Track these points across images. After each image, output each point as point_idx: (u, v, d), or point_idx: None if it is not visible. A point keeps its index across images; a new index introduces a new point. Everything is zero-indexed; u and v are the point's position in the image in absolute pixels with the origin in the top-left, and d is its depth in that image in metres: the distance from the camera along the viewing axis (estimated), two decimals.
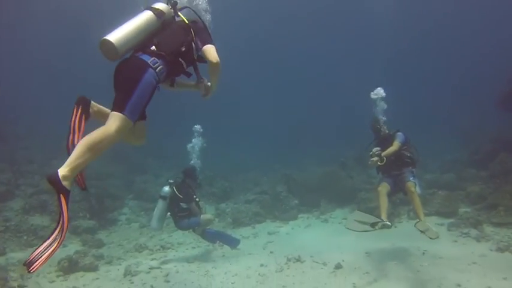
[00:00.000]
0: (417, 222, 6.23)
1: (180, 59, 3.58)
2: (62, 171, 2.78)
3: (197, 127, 9.95)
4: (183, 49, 3.56)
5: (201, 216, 8.43)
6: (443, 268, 6.42)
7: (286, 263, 7.43)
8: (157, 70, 3.32)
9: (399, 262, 6.92)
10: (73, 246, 9.44)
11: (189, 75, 3.83)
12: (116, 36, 3.27)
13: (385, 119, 7.55)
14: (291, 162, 19.84)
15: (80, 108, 3.19)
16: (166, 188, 8.33)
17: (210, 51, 3.59)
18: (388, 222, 6.23)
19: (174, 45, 3.52)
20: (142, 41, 3.44)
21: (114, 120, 3.06)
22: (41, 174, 13.26)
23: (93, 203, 11.71)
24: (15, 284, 6.96)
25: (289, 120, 29.19)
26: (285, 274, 6.90)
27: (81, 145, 2.89)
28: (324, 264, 7.17)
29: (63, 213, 2.73)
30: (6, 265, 7.90)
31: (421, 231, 6.08)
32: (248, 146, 23.81)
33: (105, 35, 3.27)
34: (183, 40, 3.58)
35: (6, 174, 12.40)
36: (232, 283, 6.72)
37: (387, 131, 7.43)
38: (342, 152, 16.93)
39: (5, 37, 30.27)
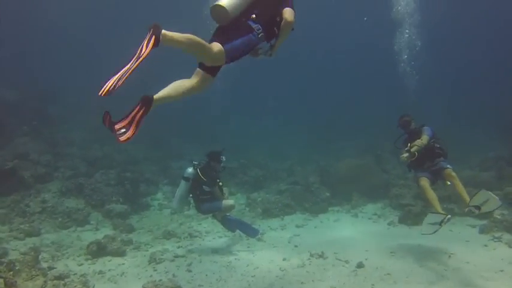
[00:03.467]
0: (468, 208, 6.19)
1: (275, 28, 4.08)
2: (165, 31, 3.14)
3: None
4: (278, 19, 4.08)
5: (223, 201, 8.33)
6: (468, 274, 6.16)
7: (309, 259, 7.39)
8: (259, 35, 3.83)
9: (423, 264, 6.71)
10: (105, 230, 9.76)
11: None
12: (227, 2, 3.70)
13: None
14: (328, 152, 19.68)
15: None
16: (190, 169, 8.24)
17: (291, 12, 4.10)
18: (449, 216, 6.18)
19: (270, 15, 4.03)
20: (246, 8, 3.87)
21: (216, 47, 3.50)
22: (80, 158, 13.75)
23: (128, 188, 11.98)
24: (45, 265, 7.25)
25: (329, 109, 28.73)
26: (305, 270, 6.85)
27: (189, 35, 3.29)
28: (346, 262, 7.06)
29: (146, 47, 3.03)
30: (40, 246, 8.24)
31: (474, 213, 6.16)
32: (288, 135, 23.74)
33: (216, 1, 3.72)
34: (277, 11, 4.09)
35: (47, 156, 12.84)
36: (252, 276, 6.73)
37: (414, 127, 7.45)
38: (381, 142, 16.49)
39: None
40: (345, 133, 21.96)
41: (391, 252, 7.43)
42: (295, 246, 8.37)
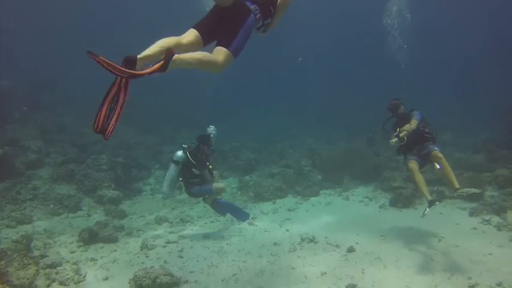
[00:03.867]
0: (456, 190, 6.37)
1: (271, 7, 4.06)
2: (175, 59, 3.04)
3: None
4: None
5: (213, 184, 8.26)
6: (457, 257, 6.24)
7: (300, 243, 7.44)
8: (257, 16, 3.78)
9: (413, 248, 6.78)
10: (97, 216, 9.78)
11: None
12: None
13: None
14: (320, 134, 19.76)
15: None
16: (180, 153, 8.14)
17: None
18: (437, 202, 6.40)
19: None
20: None
21: (221, 54, 3.38)
22: (71, 143, 13.68)
23: (120, 173, 11.98)
24: (37, 253, 7.26)
25: (324, 94, 28.71)
26: (296, 255, 6.91)
27: (197, 54, 3.28)
28: (337, 246, 7.13)
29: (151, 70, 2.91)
30: (32, 233, 8.24)
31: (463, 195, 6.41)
32: (282, 118, 23.76)
33: None
34: None
35: (38, 142, 12.78)
36: (243, 262, 6.77)
37: (403, 111, 7.51)
38: (373, 124, 16.52)
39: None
40: (337, 115, 21.97)
41: (381, 236, 7.50)
42: (287, 230, 8.41)
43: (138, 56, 2.93)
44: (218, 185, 8.37)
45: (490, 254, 6.28)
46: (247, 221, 8.97)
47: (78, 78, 24.58)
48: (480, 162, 11.53)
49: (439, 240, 7.09)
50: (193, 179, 8.19)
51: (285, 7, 4.18)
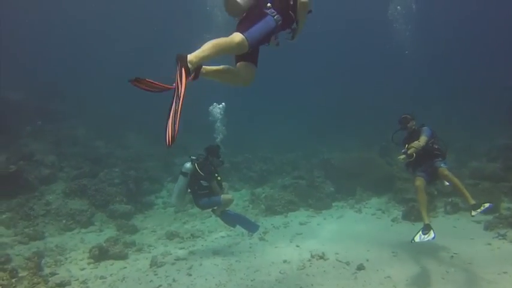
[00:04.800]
0: (472, 209, 6.25)
1: (290, 12, 4.05)
2: (190, 56, 3.25)
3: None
4: (291, 2, 4.07)
5: (222, 196, 8.22)
6: (470, 276, 6.08)
7: (310, 260, 7.36)
8: (275, 18, 3.83)
9: (424, 266, 6.63)
10: (108, 231, 9.83)
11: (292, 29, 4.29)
12: None
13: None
14: (333, 143, 19.62)
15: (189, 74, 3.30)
16: (188, 165, 8.11)
17: None
18: (431, 231, 6.24)
19: (284, 1, 4.02)
20: None
21: (236, 36, 3.56)
22: (84, 157, 13.80)
23: (131, 187, 12.03)
24: (48, 270, 7.32)
25: (335, 100, 28.53)
26: (305, 273, 6.82)
27: (208, 43, 3.40)
28: (347, 263, 7.02)
29: (181, 83, 3.11)
30: (44, 250, 8.32)
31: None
32: (294, 127, 23.68)
33: None
34: None
35: (51, 156, 12.93)
36: (251, 280, 6.71)
37: (414, 127, 7.46)
38: (387, 133, 16.39)
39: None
40: (350, 124, 21.82)
41: (392, 252, 7.36)
42: (297, 246, 8.32)
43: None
44: (226, 196, 8.33)
45: (504, 272, 6.08)
46: (259, 235, 8.93)
47: (87, 85, 24.91)
48: (496, 171, 11.24)
49: (452, 256, 6.92)
50: (202, 190, 8.18)
51: (304, 9, 4.15)
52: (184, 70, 3.12)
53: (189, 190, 8.32)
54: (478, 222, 8.64)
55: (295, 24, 4.17)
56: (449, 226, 8.77)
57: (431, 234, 6.12)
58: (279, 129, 23.55)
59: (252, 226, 8.79)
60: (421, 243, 6.36)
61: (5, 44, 26.13)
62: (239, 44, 3.53)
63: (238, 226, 8.83)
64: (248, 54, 3.81)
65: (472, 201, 6.33)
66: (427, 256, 7.05)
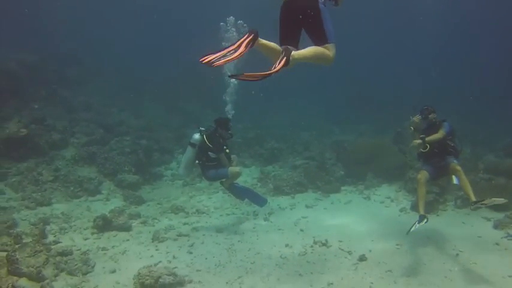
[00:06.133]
0: (474, 204, 6.14)
1: None
2: (294, 52, 3.40)
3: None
4: None
5: (229, 168, 8.17)
6: (473, 277, 5.93)
7: (312, 246, 7.30)
8: (324, 3, 3.82)
9: (428, 262, 6.49)
10: (115, 201, 9.87)
11: None
12: None
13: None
14: (347, 125, 19.38)
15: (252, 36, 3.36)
16: (197, 136, 8.12)
17: None
18: (425, 220, 6.49)
19: None
20: None
21: (331, 49, 3.75)
22: (96, 123, 13.79)
23: (141, 157, 12.00)
24: (52, 238, 7.39)
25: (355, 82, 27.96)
26: (306, 260, 6.75)
27: (312, 47, 3.66)
28: (349, 253, 6.93)
29: (277, 67, 3.22)
30: (50, 216, 8.41)
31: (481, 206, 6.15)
32: (313, 103, 23.41)
33: None
34: None
35: (63, 121, 12.95)
36: (251, 263, 6.66)
37: (434, 120, 7.30)
38: (403, 118, 16.06)
39: None
40: (366, 107, 21.43)
41: (397, 245, 7.22)
42: (301, 230, 8.24)
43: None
44: (234, 169, 8.27)
45: (509, 276, 5.89)
46: (263, 216, 8.98)
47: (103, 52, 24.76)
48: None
49: (457, 254, 6.75)
50: (210, 162, 8.17)
51: None
52: (286, 60, 3.25)
53: (197, 161, 8.31)
54: (488, 219, 8.45)
55: None
56: (458, 221, 8.57)
57: (425, 220, 6.44)
58: (298, 103, 23.38)
59: (260, 200, 8.80)
60: (417, 231, 6.54)
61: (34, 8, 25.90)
62: (332, 60, 3.78)
63: (246, 200, 8.91)
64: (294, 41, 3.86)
65: (474, 198, 6.26)
66: (432, 252, 6.92)
